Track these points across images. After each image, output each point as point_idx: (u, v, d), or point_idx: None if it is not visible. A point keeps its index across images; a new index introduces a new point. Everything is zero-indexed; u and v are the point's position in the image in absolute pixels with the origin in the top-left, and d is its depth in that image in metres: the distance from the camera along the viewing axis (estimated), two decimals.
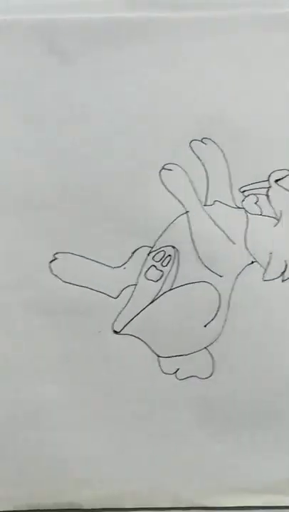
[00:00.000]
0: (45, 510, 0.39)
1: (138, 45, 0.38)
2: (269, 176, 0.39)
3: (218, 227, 0.39)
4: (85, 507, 0.39)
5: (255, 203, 0.39)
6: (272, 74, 0.39)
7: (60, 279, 0.39)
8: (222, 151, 0.39)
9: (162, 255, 0.39)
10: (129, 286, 0.39)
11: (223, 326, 0.39)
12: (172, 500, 0.39)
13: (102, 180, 0.39)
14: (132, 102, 0.39)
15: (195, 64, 0.38)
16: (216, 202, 0.39)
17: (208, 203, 0.39)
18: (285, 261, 0.39)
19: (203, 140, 0.39)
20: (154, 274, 0.39)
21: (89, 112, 0.39)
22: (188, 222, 0.39)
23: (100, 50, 0.38)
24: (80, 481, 0.39)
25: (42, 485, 0.39)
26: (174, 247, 0.39)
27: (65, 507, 0.39)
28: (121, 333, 0.39)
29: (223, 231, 0.39)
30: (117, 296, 0.39)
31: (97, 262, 0.39)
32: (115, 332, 0.39)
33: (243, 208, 0.39)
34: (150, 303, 0.39)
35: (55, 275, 0.39)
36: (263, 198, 0.39)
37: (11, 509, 0.39)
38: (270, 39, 0.38)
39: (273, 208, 0.39)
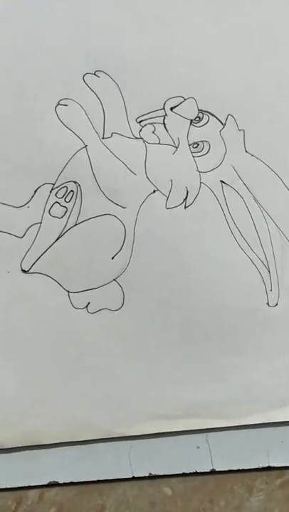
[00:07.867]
0: None
1: None
2: (164, 104, 0.39)
3: (118, 158, 0.39)
4: (6, 446, 0.39)
5: (153, 132, 0.39)
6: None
7: None
8: (116, 82, 0.39)
9: (65, 191, 0.39)
10: (34, 224, 0.39)
11: (129, 257, 0.39)
12: (93, 432, 0.40)
13: None
14: (21, 37, 0.38)
15: None
16: (114, 134, 0.39)
17: (106, 136, 0.39)
18: (186, 187, 0.39)
19: (96, 73, 0.39)
20: (58, 210, 0.39)
21: None
22: (88, 156, 0.39)
23: None
24: None
25: None
26: (75, 182, 0.39)
27: None
28: (30, 271, 0.39)
29: (123, 162, 0.39)
30: (23, 236, 0.39)
31: (1, 202, 0.39)
32: (24, 271, 0.39)
33: (141, 138, 0.39)
34: (56, 240, 0.39)
35: None
36: (159, 127, 0.39)
37: None
38: None
39: (170, 136, 0.39)
